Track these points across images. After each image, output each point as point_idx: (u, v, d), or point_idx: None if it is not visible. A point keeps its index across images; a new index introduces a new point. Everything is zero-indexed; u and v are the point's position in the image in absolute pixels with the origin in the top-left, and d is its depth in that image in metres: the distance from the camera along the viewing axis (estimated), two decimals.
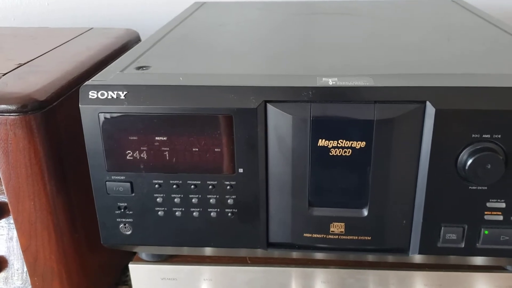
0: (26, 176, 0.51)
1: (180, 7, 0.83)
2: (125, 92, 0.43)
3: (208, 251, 0.50)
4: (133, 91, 0.43)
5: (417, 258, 0.47)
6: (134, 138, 0.45)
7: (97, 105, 0.44)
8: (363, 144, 0.43)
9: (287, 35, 0.62)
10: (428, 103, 0.41)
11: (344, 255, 0.49)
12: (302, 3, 0.83)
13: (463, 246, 0.46)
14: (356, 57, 0.52)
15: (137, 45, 0.58)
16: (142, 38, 0.79)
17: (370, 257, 0.49)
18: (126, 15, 0.97)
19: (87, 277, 0.59)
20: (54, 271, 0.55)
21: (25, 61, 0.60)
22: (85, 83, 0.44)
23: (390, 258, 0.49)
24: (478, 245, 0.45)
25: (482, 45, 0.55)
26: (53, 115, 0.51)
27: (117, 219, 0.48)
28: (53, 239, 0.54)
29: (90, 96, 0.43)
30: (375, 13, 0.73)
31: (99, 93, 0.43)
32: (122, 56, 0.53)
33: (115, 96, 0.43)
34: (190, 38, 0.61)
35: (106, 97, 0.43)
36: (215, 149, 0.45)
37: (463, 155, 0.42)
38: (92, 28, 0.79)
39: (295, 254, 0.50)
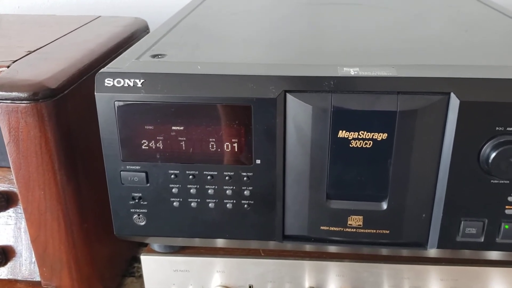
0: (37, 165, 0.50)
1: None
2: (142, 80, 0.42)
3: (220, 242, 0.50)
4: (151, 79, 0.42)
5: (433, 252, 0.47)
6: (150, 127, 0.44)
7: (113, 93, 0.43)
8: (384, 136, 0.42)
9: (303, 25, 0.61)
10: (452, 94, 0.41)
11: (360, 249, 0.48)
12: None
13: (482, 240, 0.45)
14: (377, 47, 0.51)
15: (149, 34, 0.57)
16: (151, 27, 0.78)
17: (386, 251, 0.49)
18: (134, 4, 0.96)
19: (96, 267, 0.58)
20: (63, 262, 0.55)
21: (35, 49, 0.59)
22: (101, 70, 0.43)
23: (407, 252, 0.48)
24: (498, 240, 0.45)
25: (501, 37, 0.54)
26: (64, 103, 0.51)
27: (131, 210, 0.47)
28: (62, 229, 0.53)
29: (106, 84, 0.42)
30: (389, 4, 0.72)
31: (115, 81, 0.42)
32: (136, 44, 0.52)
33: (131, 84, 0.42)
34: (204, 27, 0.60)
35: (123, 85, 0.42)
36: (233, 140, 0.44)
37: (486, 148, 0.42)
38: (100, 16, 0.78)
39: (309, 247, 0.49)
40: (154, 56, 0.47)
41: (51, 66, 0.53)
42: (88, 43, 0.62)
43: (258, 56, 0.48)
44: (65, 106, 0.51)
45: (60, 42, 0.63)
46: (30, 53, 0.58)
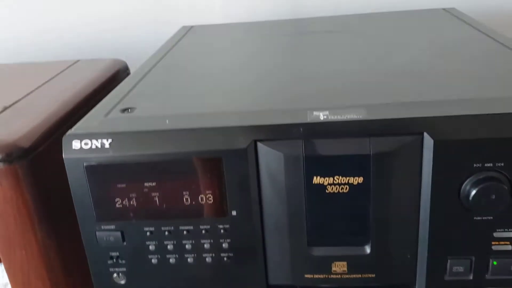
0: (15, 225, 0.49)
1: (168, 32, 0.82)
2: (109, 140, 0.41)
3: None
4: (118, 138, 0.42)
5: None
6: (122, 185, 0.43)
7: (82, 155, 0.42)
8: (360, 179, 0.41)
9: (276, 63, 0.61)
10: (425, 134, 0.40)
11: None
12: (290, 21, 0.82)
13: (471, 278, 0.43)
14: (348, 84, 0.50)
15: (123, 82, 0.56)
16: (131, 66, 0.78)
17: None
18: (114, 42, 0.95)
19: None
20: None
21: (10, 103, 0.59)
22: (67, 133, 0.43)
23: None
24: (487, 277, 0.43)
25: (479, 63, 0.53)
26: (39, 161, 0.50)
27: (110, 269, 0.46)
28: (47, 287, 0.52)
29: (73, 147, 0.42)
30: (365, 29, 0.71)
31: (83, 143, 0.42)
32: (106, 97, 0.51)
33: (99, 145, 0.41)
34: (177, 71, 0.59)
35: (90, 147, 0.41)
36: (207, 192, 0.43)
37: (466, 185, 0.40)
38: (79, 61, 0.78)
39: None
40: (123, 110, 0.47)
41: (25, 123, 0.52)
42: (63, 93, 0.62)
43: (227, 103, 0.48)
44: (41, 163, 0.50)
45: (36, 93, 0.63)
46: (6, 109, 0.58)
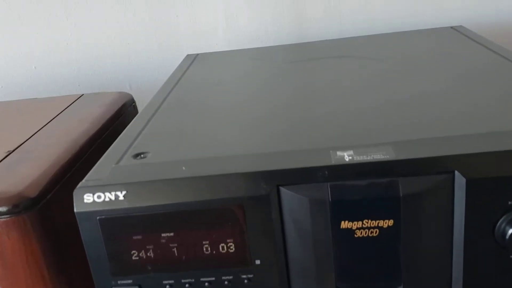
0: (25, 278, 0.47)
1: (172, 59, 0.81)
2: (124, 192, 0.39)
3: None
4: (133, 189, 0.40)
5: None
6: (138, 237, 0.41)
7: (94, 208, 0.40)
8: (390, 222, 0.39)
9: (289, 94, 0.59)
10: (456, 172, 0.38)
11: None
12: (297, 46, 0.80)
13: None
14: (368, 118, 0.48)
15: (132, 122, 0.54)
16: (136, 98, 0.76)
17: None
18: (118, 73, 0.94)
19: None
20: None
21: (14, 147, 0.57)
22: (78, 185, 0.40)
23: None
24: None
25: (504, 89, 0.51)
26: (48, 210, 0.48)
27: None
28: None
29: (85, 200, 0.39)
30: (376, 53, 0.70)
31: (95, 196, 0.39)
32: (118, 140, 0.49)
33: (113, 198, 0.39)
34: (188, 106, 0.57)
35: (104, 200, 0.39)
36: (228, 241, 0.41)
37: (501, 223, 0.38)
38: (82, 95, 0.76)
39: None
40: (136, 155, 0.45)
41: (31, 169, 0.50)
42: (70, 133, 0.60)
43: (244, 143, 0.46)
44: (50, 212, 0.48)
45: (41, 134, 0.61)
46: (10, 153, 0.56)
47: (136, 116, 0.55)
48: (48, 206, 0.48)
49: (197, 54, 0.81)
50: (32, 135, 0.60)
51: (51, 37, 0.91)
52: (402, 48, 0.71)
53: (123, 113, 0.71)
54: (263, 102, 0.57)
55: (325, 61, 0.69)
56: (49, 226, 0.48)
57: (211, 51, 0.83)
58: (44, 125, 0.63)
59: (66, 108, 0.70)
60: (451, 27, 0.77)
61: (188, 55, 0.81)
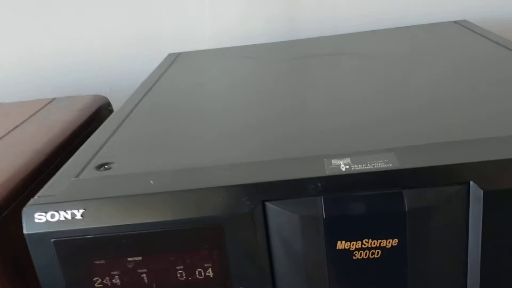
0: None
1: (157, 62, 0.74)
2: (81, 210, 0.33)
3: None
4: (92, 207, 0.34)
5: None
6: (101, 261, 0.35)
7: (48, 229, 0.34)
8: (395, 242, 0.33)
9: (278, 96, 0.53)
10: (472, 183, 0.32)
11: None
12: (287, 43, 0.74)
13: None
14: (366, 121, 0.42)
15: (97, 131, 0.48)
16: (117, 102, 0.70)
17: None
18: (98, 76, 0.87)
19: None
20: None
21: None
22: (28, 203, 0.34)
23: None
24: None
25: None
26: (5, 225, 0.42)
27: None
28: None
29: (36, 220, 0.34)
30: (373, 50, 0.64)
31: (48, 215, 0.34)
32: (80, 149, 0.43)
33: (69, 217, 0.33)
34: (163, 111, 0.51)
35: (58, 219, 0.33)
36: (205, 266, 0.35)
37: None
38: (54, 99, 0.70)
39: None
40: (99, 167, 0.39)
41: None
42: (34, 142, 0.54)
43: (224, 152, 0.40)
44: (6, 229, 0.42)
45: (3, 142, 0.55)
46: None
47: (104, 123, 0.49)
48: (6, 221, 0.42)
49: (180, 53, 0.75)
50: None
51: (28, 41, 0.85)
52: (403, 44, 0.66)
53: (97, 118, 0.65)
54: (249, 105, 0.51)
55: (319, 59, 0.63)
56: (8, 241, 0.42)
57: (195, 49, 0.77)
58: (6, 133, 0.57)
59: (35, 113, 0.65)
60: (455, 22, 0.72)
61: (169, 54, 0.75)
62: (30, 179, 0.47)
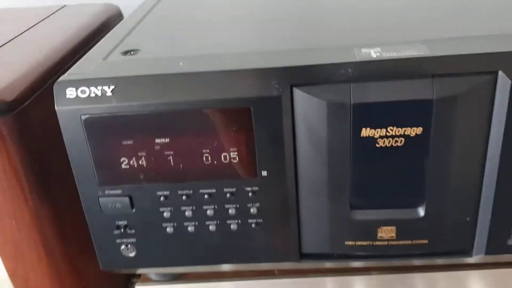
0: (3, 192, 0.42)
1: None
2: (112, 87, 0.34)
3: (227, 267, 0.42)
4: (122, 84, 0.34)
5: (479, 258, 0.40)
6: (129, 142, 0.36)
7: (78, 105, 0.34)
8: (419, 130, 0.34)
9: None
10: (501, 73, 0.32)
11: (392, 261, 0.41)
12: None
13: None
14: (399, 16, 0.42)
15: (120, 23, 0.48)
16: (125, 13, 0.69)
17: (423, 261, 0.41)
18: None
19: None
20: None
21: None
22: (59, 79, 0.35)
23: (447, 260, 0.41)
24: None
25: None
26: (26, 116, 0.43)
27: (117, 240, 0.39)
28: (43, 259, 0.46)
29: (68, 95, 0.34)
30: None
31: (79, 91, 0.34)
32: (104, 38, 0.43)
33: (99, 93, 0.34)
34: (182, 10, 0.51)
35: (89, 95, 0.34)
36: (231, 150, 0.36)
37: None
38: (65, 6, 0.69)
39: (330, 263, 0.42)
40: (125, 52, 0.39)
41: (7, 73, 0.45)
42: (51, 40, 0.53)
43: (251, 42, 0.40)
44: (28, 119, 0.43)
45: (18, 40, 0.54)
46: None
47: (127, 17, 0.49)
48: (27, 113, 0.42)
49: None
50: (8, 41, 0.54)
51: None
52: None
53: (109, 26, 0.64)
54: (271, 4, 0.50)
55: None
56: (28, 133, 0.42)
57: None
58: (22, 32, 0.57)
59: (46, 17, 0.63)
60: None
61: None
62: (49, 75, 0.47)
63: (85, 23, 0.61)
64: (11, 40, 0.54)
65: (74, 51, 0.53)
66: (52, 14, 0.65)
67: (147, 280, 0.46)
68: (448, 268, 0.44)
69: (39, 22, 0.61)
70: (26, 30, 0.58)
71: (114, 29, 0.46)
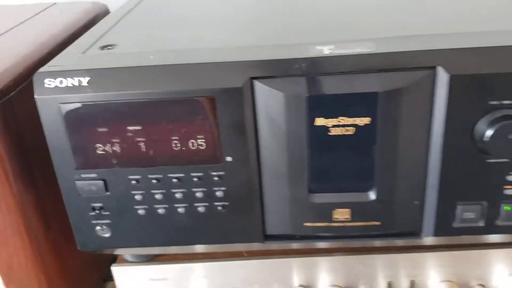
0: None
1: None
2: (87, 78, 0.37)
3: (198, 248, 0.45)
4: (97, 75, 0.37)
5: (429, 240, 0.43)
6: (104, 129, 0.39)
7: (56, 94, 0.37)
8: (367, 120, 0.37)
9: None
10: (439, 68, 0.36)
11: (351, 242, 0.44)
12: None
13: (481, 225, 0.41)
14: (352, 18, 0.46)
15: (102, 21, 0.51)
16: (112, 11, 0.72)
17: (379, 242, 0.45)
18: None
19: (70, 278, 0.54)
20: (31, 277, 0.50)
21: None
22: (39, 70, 0.38)
23: (401, 242, 0.44)
24: (499, 223, 0.41)
25: None
26: (11, 107, 0.45)
27: (93, 221, 0.42)
28: (26, 244, 0.49)
29: (46, 85, 0.37)
30: None
31: (58, 81, 0.37)
32: (84, 35, 0.46)
33: (76, 83, 0.37)
34: (159, 11, 0.54)
35: (66, 85, 0.37)
36: (198, 137, 0.39)
37: (481, 125, 0.37)
38: (55, 3, 0.72)
39: (295, 245, 0.45)
40: (103, 47, 0.42)
41: None
42: (39, 36, 0.56)
43: (218, 39, 0.43)
44: (13, 109, 0.45)
45: (7, 36, 0.57)
46: None
47: (105, 18, 0.52)
48: (11, 103, 0.45)
49: None
50: None
51: None
52: None
53: (96, 23, 0.67)
54: (241, 3, 0.54)
55: None
56: (13, 124, 0.45)
57: None
58: (11, 28, 0.60)
59: (36, 14, 0.66)
60: None
61: None
62: (35, 67, 0.50)
63: (73, 20, 0.64)
64: (3, 34, 0.57)
65: (61, 46, 0.56)
66: (42, 11, 0.68)
67: (123, 261, 0.49)
68: (406, 250, 0.47)
69: (29, 18, 0.64)
70: (16, 26, 0.61)
71: (95, 25, 0.49)
